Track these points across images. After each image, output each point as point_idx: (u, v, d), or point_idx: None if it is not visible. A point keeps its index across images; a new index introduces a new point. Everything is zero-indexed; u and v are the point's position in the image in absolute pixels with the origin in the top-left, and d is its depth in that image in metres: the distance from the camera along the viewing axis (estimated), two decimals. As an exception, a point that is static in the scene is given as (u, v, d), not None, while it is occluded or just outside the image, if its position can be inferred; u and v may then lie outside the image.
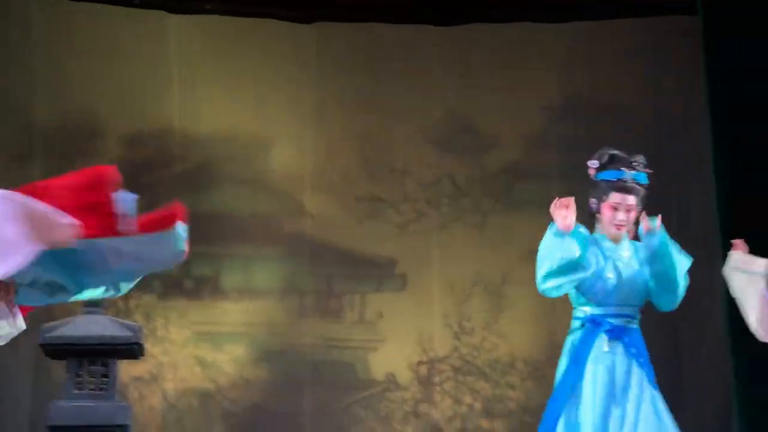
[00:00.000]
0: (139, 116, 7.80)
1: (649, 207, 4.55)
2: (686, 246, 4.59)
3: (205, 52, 7.94)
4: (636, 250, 4.46)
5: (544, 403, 7.35)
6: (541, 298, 7.93)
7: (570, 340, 4.42)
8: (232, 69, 7.95)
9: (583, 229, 4.42)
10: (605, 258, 4.37)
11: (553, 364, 4.39)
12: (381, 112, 8.11)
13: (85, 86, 7.69)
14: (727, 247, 4.89)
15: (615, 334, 4.34)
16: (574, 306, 4.51)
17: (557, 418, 4.27)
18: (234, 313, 7.77)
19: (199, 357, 7.72)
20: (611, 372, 4.30)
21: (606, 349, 4.32)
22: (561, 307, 7.69)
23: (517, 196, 8.09)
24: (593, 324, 4.35)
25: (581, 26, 8.07)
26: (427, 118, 8.11)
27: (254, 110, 7.98)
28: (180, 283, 7.76)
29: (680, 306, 4.58)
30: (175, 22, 7.86)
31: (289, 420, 7.64)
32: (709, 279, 6.27)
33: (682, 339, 7.50)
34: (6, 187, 2.70)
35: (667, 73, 8.05)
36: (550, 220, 7.98)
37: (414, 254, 7.97)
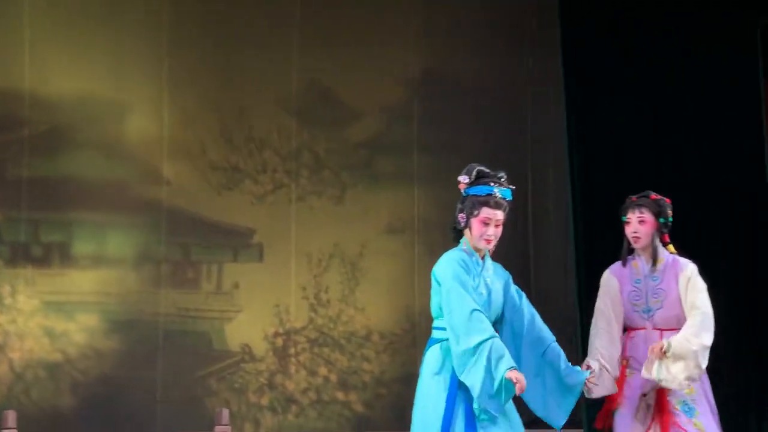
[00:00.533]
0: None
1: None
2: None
3: (59, 15, 7.69)
4: (495, 271, 4.57)
5: (399, 375, 7.49)
6: (398, 272, 8.12)
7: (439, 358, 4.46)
8: (86, 32, 7.72)
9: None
10: (478, 274, 4.45)
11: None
12: (240, 81, 8.00)
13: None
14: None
15: None
16: (436, 317, 4.52)
17: None
18: (85, 282, 7.58)
19: (48, 327, 7.50)
20: None
21: None
22: (418, 281, 7.82)
23: (376, 170, 8.13)
24: None
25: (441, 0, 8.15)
26: (288, 89, 8.04)
27: (109, 74, 7.78)
28: (27, 250, 7.52)
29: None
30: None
31: (140, 392, 7.50)
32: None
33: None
34: None
35: (523, 49, 8.20)
36: (407, 193, 8.12)
37: (272, 225, 7.92)
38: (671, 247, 4.91)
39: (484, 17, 8.11)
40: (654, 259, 4.85)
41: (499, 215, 4.46)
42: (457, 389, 4.32)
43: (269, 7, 8.04)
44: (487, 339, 4.25)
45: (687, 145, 7.16)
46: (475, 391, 4.23)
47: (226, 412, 5.79)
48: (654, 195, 4.89)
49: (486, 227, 4.45)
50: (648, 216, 4.81)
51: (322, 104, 8.11)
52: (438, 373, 4.38)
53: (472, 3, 8.13)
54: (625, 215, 4.88)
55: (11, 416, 6.44)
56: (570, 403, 4.50)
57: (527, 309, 4.54)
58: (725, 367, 6.36)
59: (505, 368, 4.21)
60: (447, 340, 4.40)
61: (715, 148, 7.11)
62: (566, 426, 4.57)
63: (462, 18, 8.12)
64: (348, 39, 8.08)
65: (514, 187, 4.57)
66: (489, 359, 4.23)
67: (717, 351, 4.93)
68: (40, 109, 7.63)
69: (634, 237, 4.83)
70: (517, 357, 4.40)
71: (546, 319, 4.55)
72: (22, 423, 6.68)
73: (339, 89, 8.13)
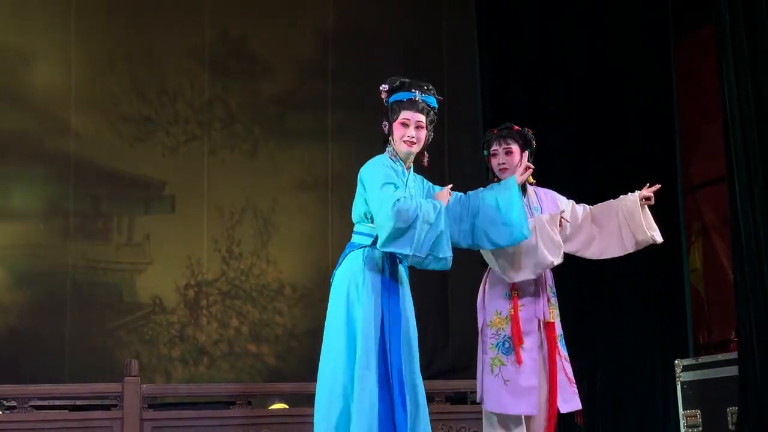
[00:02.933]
0: None
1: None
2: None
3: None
4: (417, 183, 4.51)
5: (311, 328, 7.51)
6: (311, 227, 8.13)
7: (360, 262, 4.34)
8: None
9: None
10: (403, 184, 4.41)
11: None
12: (152, 31, 7.88)
13: None
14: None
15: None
16: (357, 222, 4.42)
17: None
18: (-10, 235, 7.44)
19: (-50, 280, 7.37)
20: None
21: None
22: (331, 236, 7.85)
23: (290, 125, 8.10)
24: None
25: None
26: (201, 40, 7.95)
27: (13, 22, 7.58)
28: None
29: None
30: None
31: (49, 345, 7.41)
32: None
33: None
34: None
35: (439, 5, 8.22)
36: (321, 149, 8.09)
37: (183, 178, 7.85)
38: (530, 177, 4.83)
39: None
40: (524, 189, 4.64)
41: (420, 117, 4.39)
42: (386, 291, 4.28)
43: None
44: (417, 213, 4.19)
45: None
46: (421, 248, 4.14)
47: (136, 364, 5.75)
48: (517, 126, 4.86)
49: (406, 129, 4.37)
50: (514, 146, 4.73)
51: (235, 57, 8.04)
52: (358, 277, 4.29)
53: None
54: (488, 148, 4.78)
55: None
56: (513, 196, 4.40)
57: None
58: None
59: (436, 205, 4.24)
60: (370, 246, 4.33)
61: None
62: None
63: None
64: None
65: (441, 98, 4.54)
66: (425, 220, 4.18)
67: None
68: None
69: (501, 168, 4.71)
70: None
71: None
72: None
73: (252, 42, 8.07)
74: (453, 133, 7.92)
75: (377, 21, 8.14)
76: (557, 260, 4.57)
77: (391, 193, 4.24)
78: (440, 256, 4.24)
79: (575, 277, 6.56)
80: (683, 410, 6.53)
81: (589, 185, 6.83)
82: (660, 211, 4.97)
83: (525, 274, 4.58)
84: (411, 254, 4.20)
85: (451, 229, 4.35)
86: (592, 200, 4.88)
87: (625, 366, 7.33)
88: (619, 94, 7.56)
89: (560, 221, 4.63)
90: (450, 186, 4.51)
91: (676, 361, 6.62)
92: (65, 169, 7.60)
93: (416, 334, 4.38)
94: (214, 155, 7.95)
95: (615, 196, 4.79)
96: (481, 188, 4.58)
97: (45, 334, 7.43)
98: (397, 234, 4.19)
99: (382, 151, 4.45)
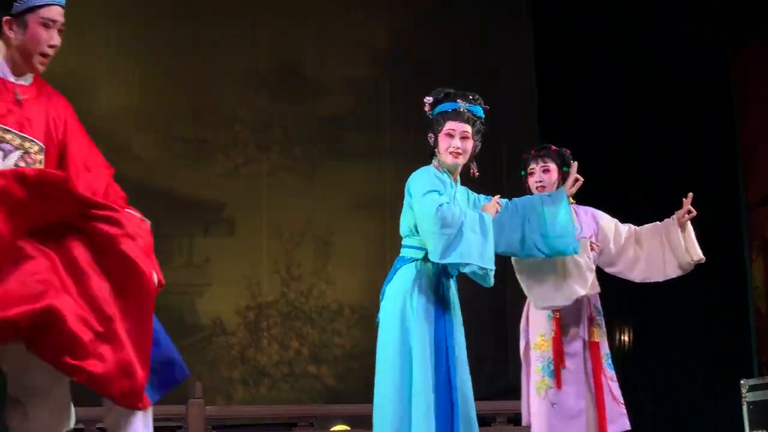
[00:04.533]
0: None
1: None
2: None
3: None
4: (463, 195, 4.47)
5: (370, 349, 7.49)
6: (369, 247, 8.13)
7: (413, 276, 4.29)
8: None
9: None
10: (452, 195, 4.35)
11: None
12: (211, 56, 7.96)
13: None
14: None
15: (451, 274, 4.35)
16: (405, 236, 4.37)
17: None
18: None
19: None
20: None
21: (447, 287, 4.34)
22: (390, 254, 7.84)
23: (346, 146, 8.13)
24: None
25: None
26: (259, 64, 8.02)
27: (77, 47, 7.71)
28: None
29: None
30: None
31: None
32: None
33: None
34: None
35: (495, 26, 8.21)
36: (377, 169, 8.09)
37: (243, 199, 7.91)
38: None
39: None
40: None
41: (465, 127, 4.31)
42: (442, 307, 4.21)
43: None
44: (462, 219, 4.13)
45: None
46: (473, 257, 4.07)
47: (199, 385, 5.78)
48: (554, 147, 4.82)
49: (451, 139, 4.29)
50: (552, 165, 4.71)
51: (292, 79, 8.09)
52: (411, 292, 4.23)
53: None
54: (526, 168, 4.77)
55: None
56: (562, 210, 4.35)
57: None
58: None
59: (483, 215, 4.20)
60: (421, 259, 4.27)
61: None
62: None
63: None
64: (318, 14, 8.06)
65: (487, 107, 4.48)
66: (471, 228, 4.12)
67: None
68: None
69: (539, 186, 4.68)
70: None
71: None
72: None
73: (308, 64, 8.12)
74: (509, 152, 7.87)
75: (432, 40, 8.15)
76: (585, 291, 4.52)
77: (435, 198, 4.20)
78: (489, 267, 4.19)
79: (630, 294, 6.49)
80: (749, 431, 6.41)
81: (646, 203, 6.77)
82: (721, 227, 4.91)
83: (556, 305, 4.54)
84: (460, 262, 4.15)
85: (497, 239, 4.30)
86: (649, 219, 4.82)
87: (684, 386, 7.23)
88: (678, 109, 7.50)
89: (591, 246, 4.59)
90: (498, 196, 4.46)
91: (742, 381, 6.50)
92: (126, 192, 7.66)
93: (465, 352, 4.33)
94: (273, 177, 8.00)
95: (673, 214, 4.73)
96: (529, 196, 4.53)
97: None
98: (443, 242, 4.11)
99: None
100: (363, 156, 8.14)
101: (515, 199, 4.51)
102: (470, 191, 4.51)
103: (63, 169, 3.57)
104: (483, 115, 4.40)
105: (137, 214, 3.52)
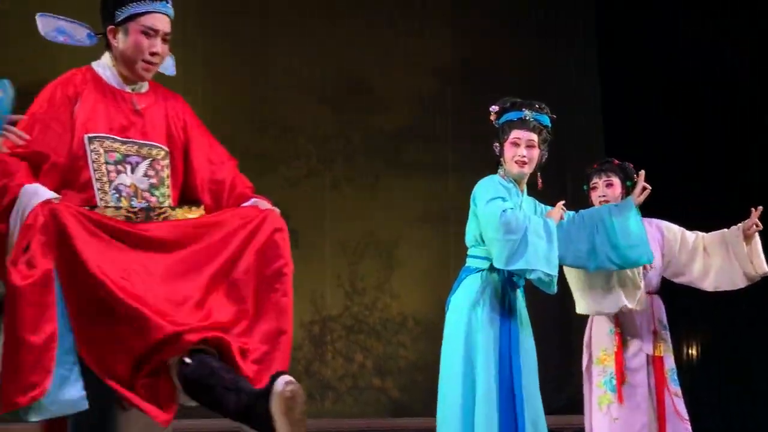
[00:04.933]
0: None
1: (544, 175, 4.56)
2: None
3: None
4: (530, 205, 4.42)
5: (434, 361, 7.45)
6: (433, 260, 8.11)
7: (478, 286, 4.29)
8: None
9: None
10: (518, 205, 4.32)
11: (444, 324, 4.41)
12: (274, 68, 8.01)
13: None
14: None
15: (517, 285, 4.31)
16: (471, 246, 4.37)
17: None
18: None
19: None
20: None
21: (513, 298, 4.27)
22: (453, 266, 7.80)
23: (410, 159, 8.12)
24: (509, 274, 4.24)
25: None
26: (322, 76, 8.05)
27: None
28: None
29: None
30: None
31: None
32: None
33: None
34: None
35: (560, 38, 8.15)
36: (440, 182, 8.07)
37: (305, 213, 7.93)
38: None
39: (518, 6, 8.07)
40: None
41: (531, 136, 4.28)
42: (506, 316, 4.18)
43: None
44: (526, 224, 4.10)
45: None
46: (539, 263, 4.04)
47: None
48: (616, 161, 4.80)
49: (516, 148, 4.28)
50: (615, 179, 4.71)
51: (355, 92, 8.11)
52: (477, 302, 4.23)
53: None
54: (588, 182, 4.77)
55: None
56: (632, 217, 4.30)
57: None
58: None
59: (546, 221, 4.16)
60: (487, 269, 4.24)
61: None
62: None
63: (496, 7, 8.09)
64: (382, 26, 8.07)
65: (554, 116, 4.43)
66: (536, 233, 4.10)
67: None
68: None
69: (602, 200, 4.68)
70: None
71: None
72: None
73: (372, 77, 8.13)
74: (575, 168, 7.81)
75: (496, 55, 8.12)
76: (632, 305, 4.48)
77: (499, 205, 4.17)
78: (553, 274, 4.15)
79: (698, 306, 6.38)
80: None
81: (714, 216, 6.65)
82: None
83: (605, 311, 4.55)
84: (526, 269, 4.10)
85: (564, 251, 4.26)
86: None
87: (755, 402, 7.08)
88: (742, 122, 7.35)
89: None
90: (562, 203, 4.41)
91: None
92: (192, 206, 7.75)
93: (536, 363, 4.28)
94: (336, 190, 8.02)
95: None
96: (596, 207, 4.48)
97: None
98: (508, 248, 4.08)
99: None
100: (426, 169, 8.13)
101: (582, 211, 4.46)
102: (537, 202, 4.47)
103: (189, 167, 3.60)
104: (550, 124, 4.37)
105: (268, 205, 3.58)
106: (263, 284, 3.43)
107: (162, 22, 3.55)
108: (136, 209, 3.33)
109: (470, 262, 4.36)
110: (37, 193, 3.17)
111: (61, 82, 3.47)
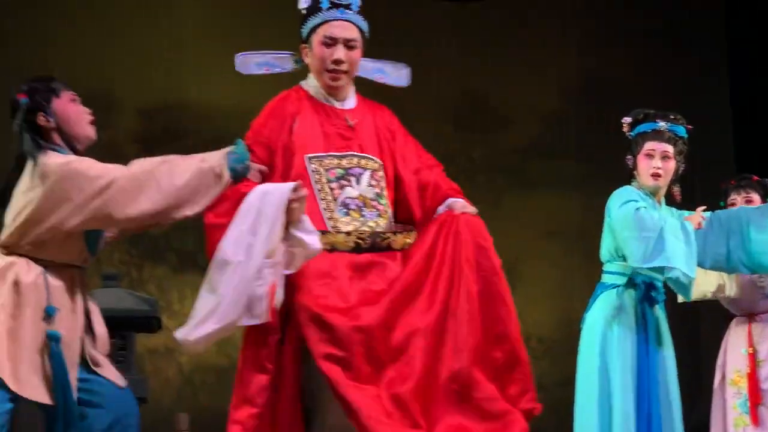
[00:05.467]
0: (151, 87, 7.77)
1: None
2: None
3: (215, 34, 7.89)
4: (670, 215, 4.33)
5: (559, 380, 7.40)
6: (557, 277, 8.02)
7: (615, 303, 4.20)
8: (245, 42, 7.88)
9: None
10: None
11: (568, 342, 4.36)
12: (394, 87, 8.05)
13: (101, 56, 7.65)
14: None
15: (656, 301, 4.24)
16: (606, 261, 4.27)
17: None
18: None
19: (214, 332, 7.70)
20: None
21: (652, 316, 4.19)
22: (577, 284, 7.72)
23: (532, 175, 8.07)
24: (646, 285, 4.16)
25: (597, 3, 8.06)
26: (443, 94, 8.07)
27: (265, 84, 7.91)
28: (195, 258, 7.74)
29: None
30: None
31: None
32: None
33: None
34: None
35: (686, 53, 8.02)
36: (564, 199, 7.98)
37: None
38: None
39: (642, 23, 7.97)
40: None
41: (666, 147, 4.18)
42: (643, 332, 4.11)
43: (420, 10, 8.07)
44: (662, 224, 4.00)
45: None
46: (679, 262, 3.94)
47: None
48: (755, 177, 4.69)
49: (651, 159, 4.18)
50: (755, 196, 4.60)
51: (477, 109, 8.11)
52: (613, 319, 4.13)
53: (630, 9, 8.01)
54: (726, 199, 4.65)
55: (183, 419, 6.66)
56: None
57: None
58: None
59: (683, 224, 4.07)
60: (623, 285, 4.15)
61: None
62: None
63: (621, 23, 8.01)
64: (504, 43, 8.06)
65: (690, 127, 4.34)
66: (674, 234, 4.01)
67: None
68: (202, 120, 7.85)
69: None
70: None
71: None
72: (193, 426, 6.90)
73: (494, 94, 8.13)
74: (704, 186, 7.65)
75: (621, 72, 8.02)
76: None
77: (632, 204, 4.09)
78: (693, 276, 4.05)
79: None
80: None
81: None
82: None
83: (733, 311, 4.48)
84: (665, 266, 3.97)
85: (703, 255, 4.16)
86: None
87: None
88: None
89: None
90: (702, 208, 4.31)
91: None
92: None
93: (676, 384, 4.19)
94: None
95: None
96: (734, 209, 4.37)
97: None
98: (644, 245, 3.96)
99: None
100: (549, 185, 8.07)
101: (719, 212, 4.36)
102: (676, 211, 4.38)
103: (398, 177, 3.65)
104: (686, 135, 4.28)
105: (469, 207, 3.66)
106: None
107: (340, 29, 3.57)
108: (364, 235, 3.38)
109: (605, 278, 4.28)
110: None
111: (277, 103, 3.56)
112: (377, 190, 3.53)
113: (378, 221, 3.49)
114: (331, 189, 3.45)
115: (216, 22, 7.89)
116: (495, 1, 8.03)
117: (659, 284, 4.18)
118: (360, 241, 3.36)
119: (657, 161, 4.21)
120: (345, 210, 3.42)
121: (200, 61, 7.83)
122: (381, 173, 3.59)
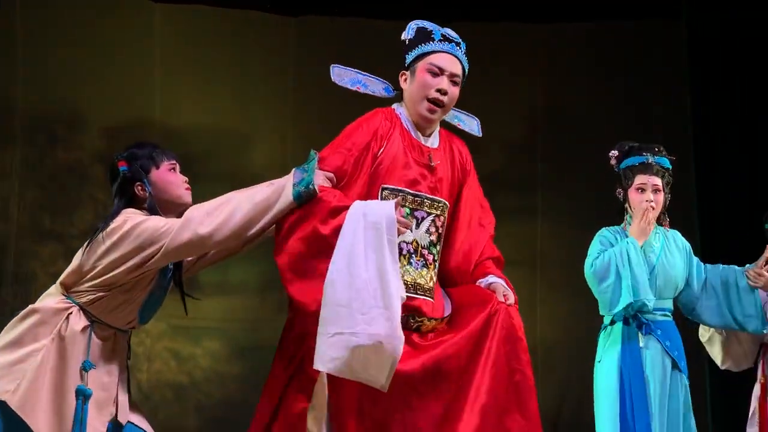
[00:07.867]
0: (119, 107, 7.73)
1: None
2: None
3: (187, 43, 7.87)
4: (669, 240, 4.37)
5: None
6: (520, 307, 7.94)
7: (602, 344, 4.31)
8: (215, 61, 7.88)
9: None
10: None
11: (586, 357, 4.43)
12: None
13: (68, 75, 7.61)
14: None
15: (649, 329, 4.27)
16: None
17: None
18: (210, 309, 7.71)
19: (174, 350, 7.66)
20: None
21: (641, 344, 4.23)
22: (539, 313, 7.72)
23: (498, 204, 8.07)
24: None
25: (561, 28, 8.09)
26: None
27: (235, 104, 7.92)
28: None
29: None
30: (159, 8, 7.80)
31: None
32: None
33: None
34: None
35: (649, 79, 8.08)
36: (531, 229, 7.98)
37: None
38: None
39: (605, 53, 8.04)
40: None
41: (656, 180, 4.27)
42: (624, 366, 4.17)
43: (389, 31, 8.07)
44: (610, 258, 4.10)
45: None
46: (640, 290, 4.02)
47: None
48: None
49: (643, 194, 4.25)
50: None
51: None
52: (600, 359, 4.27)
53: (594, 40, 8.06)
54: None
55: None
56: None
57: (709, 275, 4.35)
58: None
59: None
60: (608, 324, 4.26)
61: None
62: None
63: (583, 54, 8.06)
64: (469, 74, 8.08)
65: (673, 158, 4.39)
66: (622, 262, 4.07)
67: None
68: (170, 139, 7.81)
69: None
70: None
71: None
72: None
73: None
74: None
75: (587, 101, 8.06)
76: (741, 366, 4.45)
77: (589, 263, 4.19)
78: (641, 298, 4.11)
79: None
80: None
81: None
82: None
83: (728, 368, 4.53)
84: (625, 306, 4.12)
85: (707, 314, 4.33)
86: None
87: None
88: None
89: None
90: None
91: None
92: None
93: (681, 411, 4.23)
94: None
95: None
96: (732, 269, 4.41)
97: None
98: (607, 296, 4.17)
99: (598, 227, 4.37)
100: (514, 214, 8.07)
101: (721, 267, 4.39)
102: (687, 246, 4.44)
103: (453, 223, 3.61)
104: (670, 167, 4.35)
105: (510, 295, 3.55)
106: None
107: (450, 63, 3.52)
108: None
109: (605, 320, 4.38)
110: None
111: (371, 118, 3.55)
112: (433, 237, 3.49)
113: (422, 272, 3.44)
114: None
115: (182, 41, 7.87)
116: (459, 29, 8.03)
117: (647, 317, 4.23)
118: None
119: (649, 194, 4.28)
120: (398, 252, 3.33)
121: (165, 80, 7.80)
122: (443, 218, 3.54)
